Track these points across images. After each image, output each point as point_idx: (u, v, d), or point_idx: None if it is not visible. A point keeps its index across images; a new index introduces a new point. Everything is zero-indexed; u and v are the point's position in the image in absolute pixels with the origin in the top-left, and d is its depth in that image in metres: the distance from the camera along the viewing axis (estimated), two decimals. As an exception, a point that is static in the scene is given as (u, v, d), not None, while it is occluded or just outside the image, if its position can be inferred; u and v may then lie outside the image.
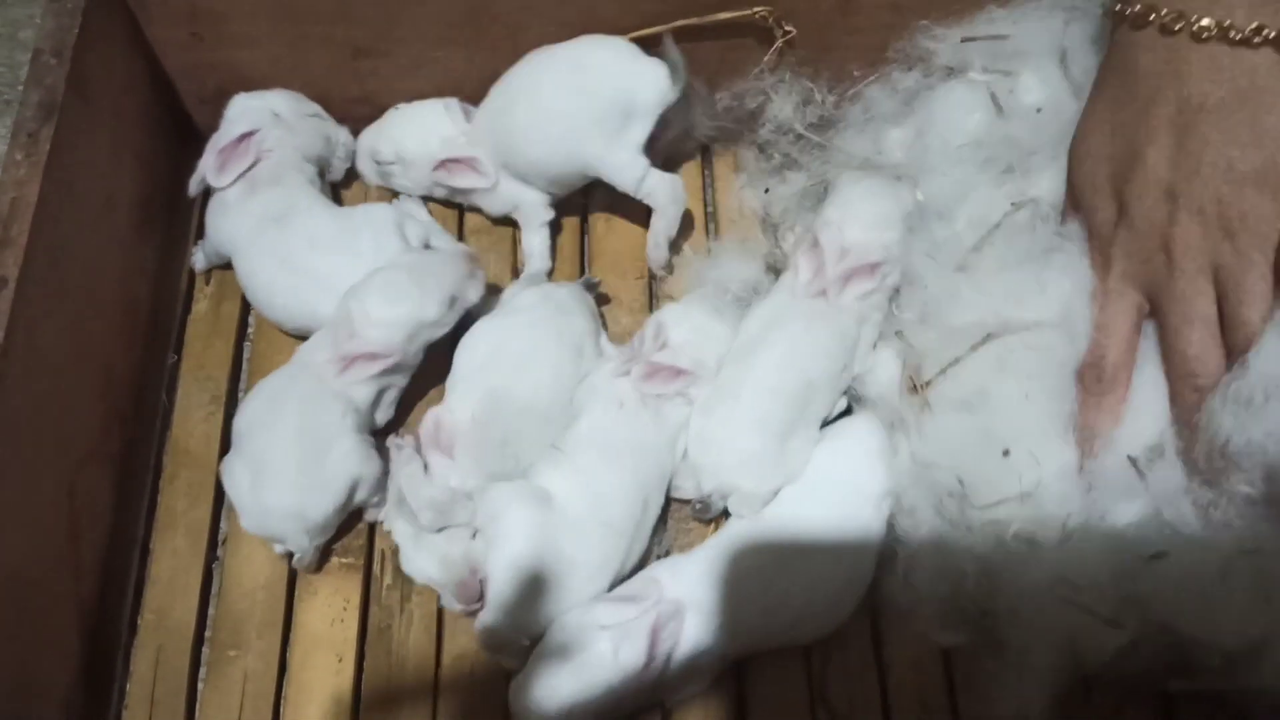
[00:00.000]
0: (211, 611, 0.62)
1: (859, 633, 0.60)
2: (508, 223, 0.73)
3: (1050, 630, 0.54)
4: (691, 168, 0.75)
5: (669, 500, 0.63)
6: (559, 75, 0.66)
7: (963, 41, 0.66)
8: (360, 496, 0.61)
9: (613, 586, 0.59)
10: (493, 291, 0.67)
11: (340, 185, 0.75)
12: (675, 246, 0.70)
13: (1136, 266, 0.55)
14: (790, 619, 0.57)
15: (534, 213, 0.70)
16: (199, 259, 0.71)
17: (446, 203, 0.73)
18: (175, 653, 0.61)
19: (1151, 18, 0.52)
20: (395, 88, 0.72)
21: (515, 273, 0.72)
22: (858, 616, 0.60)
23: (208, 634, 0.62)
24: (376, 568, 0.63)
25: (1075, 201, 0.58)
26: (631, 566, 0.60)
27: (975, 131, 0.64)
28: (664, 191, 0.66)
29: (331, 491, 0.60)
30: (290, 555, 0.61)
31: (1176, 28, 0.51)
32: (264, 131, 0.67)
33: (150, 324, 0.69)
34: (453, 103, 0.70)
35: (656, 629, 0.54)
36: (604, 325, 0.69)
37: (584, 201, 0.74)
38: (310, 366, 0.62)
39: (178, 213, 0.71)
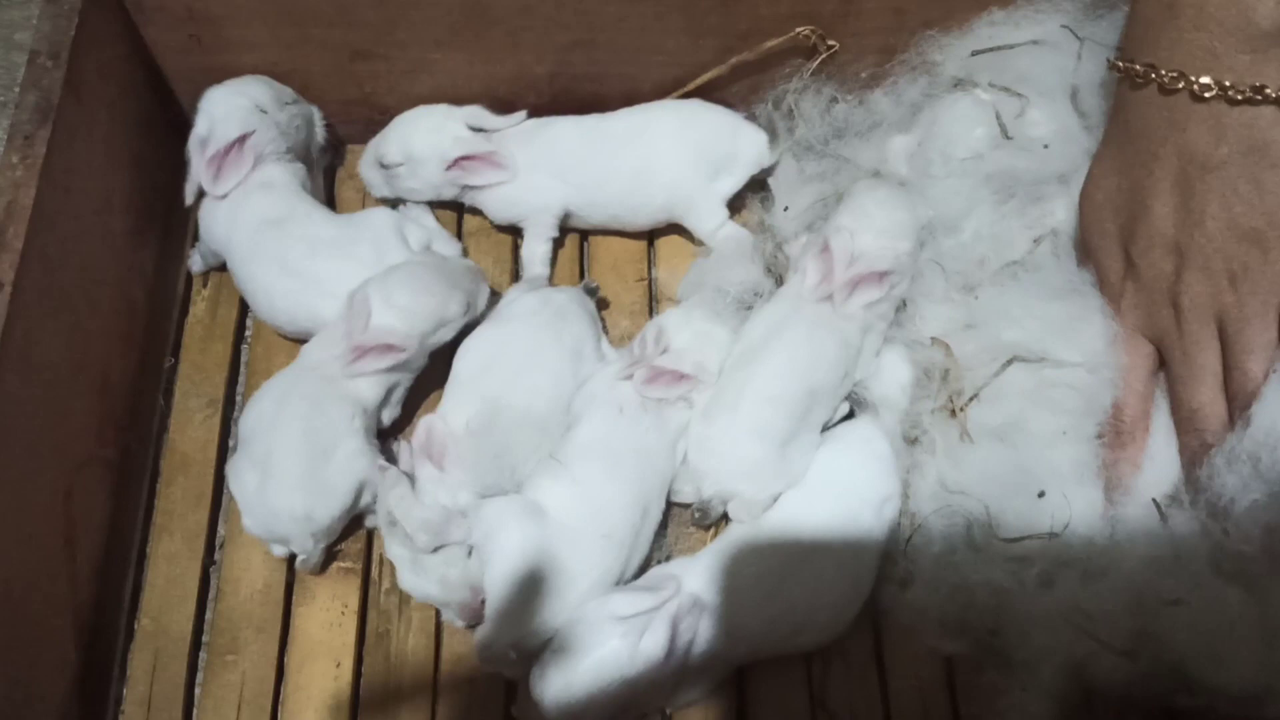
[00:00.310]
0: (209, 616, 0.62)
1: (860, 639, 0.60)
2: (507, 227, 0.73)
3: (1060, 653, 0.55)
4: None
5: (669, 505, 0.63)
6: (671, 127, 0.69)
7: (972, 55, 0.66)
8: (366, 499, 0.61)
9: (613, 594, 0.58)
10: (492, 295, 0.67)
11: (334, 191, 0.75)
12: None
13: (1145, 319, 0.56)
14: (794, 622, 0.57)
15: (542, 224, 0.70)
16: (196, 261, 0.71)
17: (446, 205, 0.73)
18: (172, 658, 0.60)
19: (1152, 76, 0.52)
20: (394, 90, 0.72)
21: (514, 277, 0.72)
22: (859, 623, 0.59)
23: (205, 639, 0.62)
24: (375, 572, 0.63)
25: (1086, 249, 0.59)
26: (632, 574, 0.60)
27: (978, 146, 0.64)
28: (733, 244, 0.69)
29: (338, 493, 0.60)
30: (291, 558, 0.61)
31: (1178, 87, 0.51)
32: (259, 134, 0.66)
33: (147, 327, 0.68)
34: (477, 109, 0.70)
35: (677, 619, 0.54)
36: (604, 329, 0.68)
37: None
38: (316, 366, 0.61)
39: (174, 215, 0.71)
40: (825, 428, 0.62)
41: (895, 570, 0.59)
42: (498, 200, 0.70)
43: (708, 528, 0.63)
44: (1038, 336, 0.58)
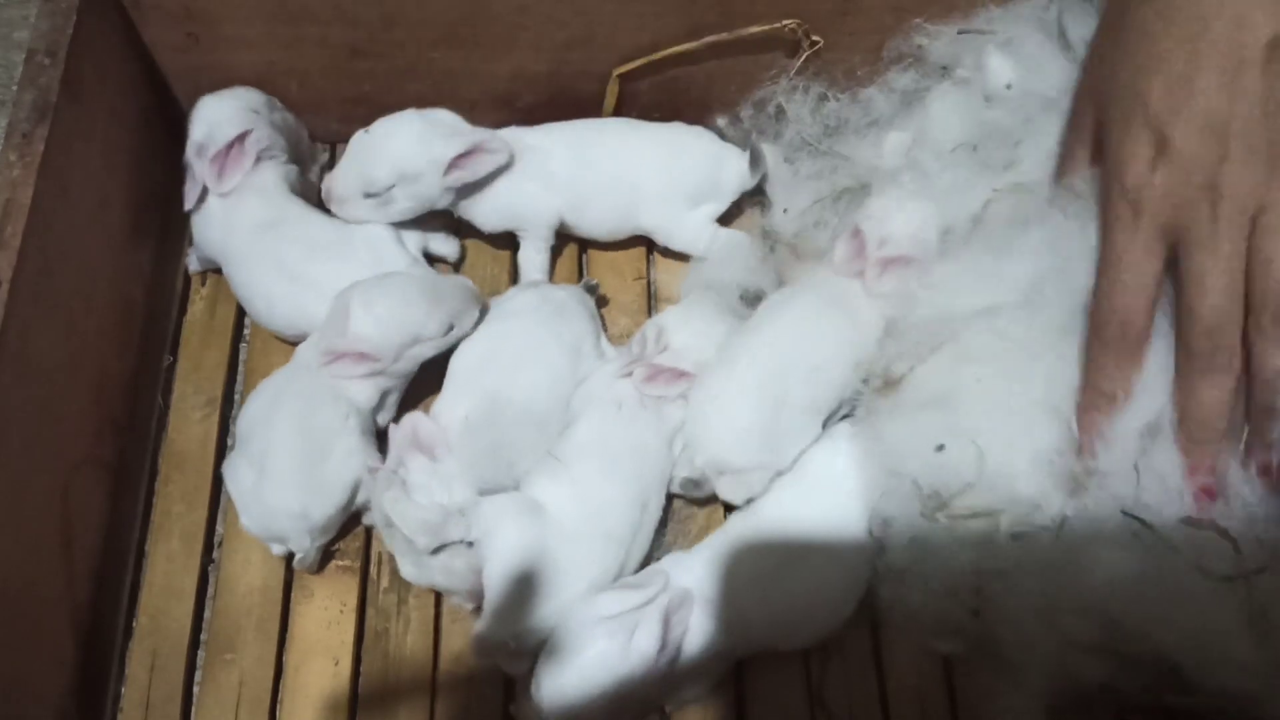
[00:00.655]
0: (207, 615, 0.62)
1: (858, 637, 0.60)
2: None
3: (1041, 650, 0.54)
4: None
5: (668, 501, 0.63)
6: (657, 159, 0.69)
7: (959, 34, 0.66)
8: (363, 497, 0.61)
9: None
10: (490, 296, 0.67)
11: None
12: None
13: (1171, 211, 0.50)
14: (790, 618, 0.57)
15: (538, 235, 0.70)
16: (193, 261, 0.71)
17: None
18: (170, 657, 0.60)
19: None
20: (392, 89, 0.72)
21: (513, 276, 0.72)
22: (857, 620, 0.59)
23: (203, 638, 0.61)
24: (373, 570, 0.63)
25: (1096, 148, 0.54)
26: (632, 572, 0.60)
27: (967, 133, 0.64)
28: (731, 246, 0.69)
29: (334, 491, 0.60)
30: (289, 557, 0.61)
31: None
32: (258, 131, 0.67)
33: (145, 327, 0.68)
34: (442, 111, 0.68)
35: (668, 614, 0.54)
36: (603, 327, 0.68)
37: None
38: (309, 366, 0.61)
39: (172, 215, 0.71)
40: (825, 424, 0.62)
41: (890, 567, 0.59)
42: (490, 210, 0.69)
43: (700, 504, 0.63)
44: (959, 297, 0.58)
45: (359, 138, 0.66)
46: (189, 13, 0.67)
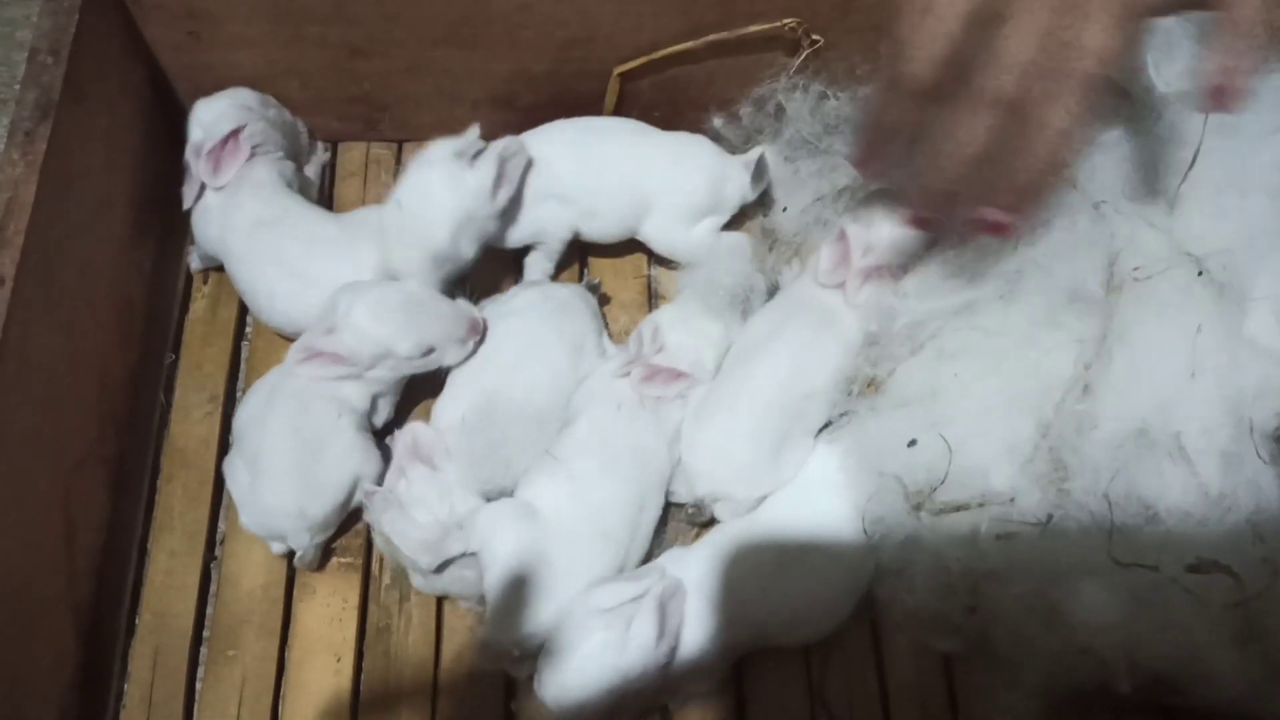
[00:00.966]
0: (209, 612, 0.62)
1: (858, 635, 0.61)
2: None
3: (1037, 650, 0.55)
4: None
5: (668, 502, 0.63)
6: (660, 165, 0.68)
7: None
8: (360, 495, 0.61)
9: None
10: (491, 295, 0.67)
11: (333, 190, 0.76)
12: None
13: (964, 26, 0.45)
14: (791, 612, 0.58)
15: (555, 245, 0.70)
16: (194, 259, 0.71)
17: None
18: (173, 653, 0.61)
19: None
20: (392, 88, 0.72)
21: (516, 278, 0.72)
22: (857, 619, 0.60)
23: (206, 634, 0.62)
24: (375, 567, 0.63)
25: None
26: (633, 568, 0.60)
27: None
28: (731, 246, 0.69)
29: (330, 489, 0.60)
30: (291, 554, 0.61)
31: None
32: (251, 126, 0.67)
33: (147, 324, 0.68)
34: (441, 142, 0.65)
35: (663, 603, 0.54)
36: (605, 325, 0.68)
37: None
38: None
39: (174, 213, 0.71)
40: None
41: (885, 566, 0.59)
42: (514, 230, 0.68)
43: (702, 525, 0.63)
44: (927, 300, 0.58)
45: (395, 217, 0.63)
46: (190, 12, 0.67)
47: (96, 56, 0.63)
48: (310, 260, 0.65)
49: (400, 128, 0.76)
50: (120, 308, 0.66)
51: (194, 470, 0.65)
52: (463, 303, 0.64)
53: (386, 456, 0.62)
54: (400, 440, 0.61)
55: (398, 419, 0.65)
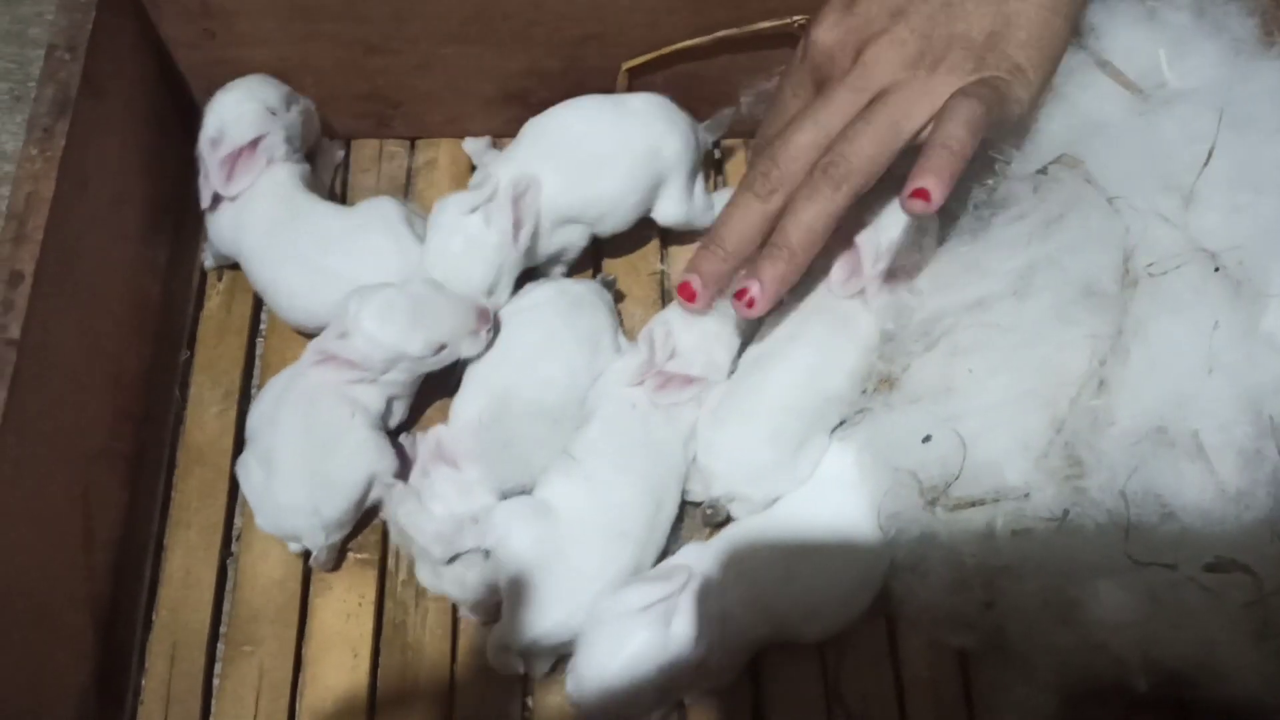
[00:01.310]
0: (226, 608, 0.62)
1: (874, 631, 0.61)
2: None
3: (1053, 645, 0.55)
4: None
5: (683, 500, 0.63)
6: (616, 160, 0.66)
7: None
8: (376, 493, 0.61)
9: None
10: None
11: (347, 184, 0.76)
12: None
13: (822, 58, 0.56)
14: (807, 610, 0.58)
15: (576, 254, 0.69)
16: (209, 257, 0.71)
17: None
18: (190, 649, 0.61)
19: None
20: (405, 85, 0.72)
21: (531, 273, 0.72)
22: (872, 615, 0.60)
23: (223, 630, 0.62)
24: (391, 563, 0.63)
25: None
26: (649, 566, 0.60)
27: None
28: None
29: (344, 488, 0.60)
30: (306, 553, 0.61)
31: None
32: (271, 136, 0.66)
33: (162, 321, 0.68)
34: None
35: (700, 599, 0.54)
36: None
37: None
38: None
39: (188, 210, 0.71)
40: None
41: (901, 561, 0.59)
42: (539, 248, 0.67)
43: (718, 525, 0.63)
44: (940, 294, 0.59)
45: (425, 295, 0.61)
46: (205, 9, 0.67)
47: (113, 53, 0.63)
48: (327, 255, 0.65)
49: (413, 124, 0.76)
50: (136, 303, 0.66)
51: (209, 466, 0.65)
52: (468, 294, 0.64)
53: (399, 456, 0.62)
54: (424, 444, 0.61)
55: (412, 417, 0.66)
